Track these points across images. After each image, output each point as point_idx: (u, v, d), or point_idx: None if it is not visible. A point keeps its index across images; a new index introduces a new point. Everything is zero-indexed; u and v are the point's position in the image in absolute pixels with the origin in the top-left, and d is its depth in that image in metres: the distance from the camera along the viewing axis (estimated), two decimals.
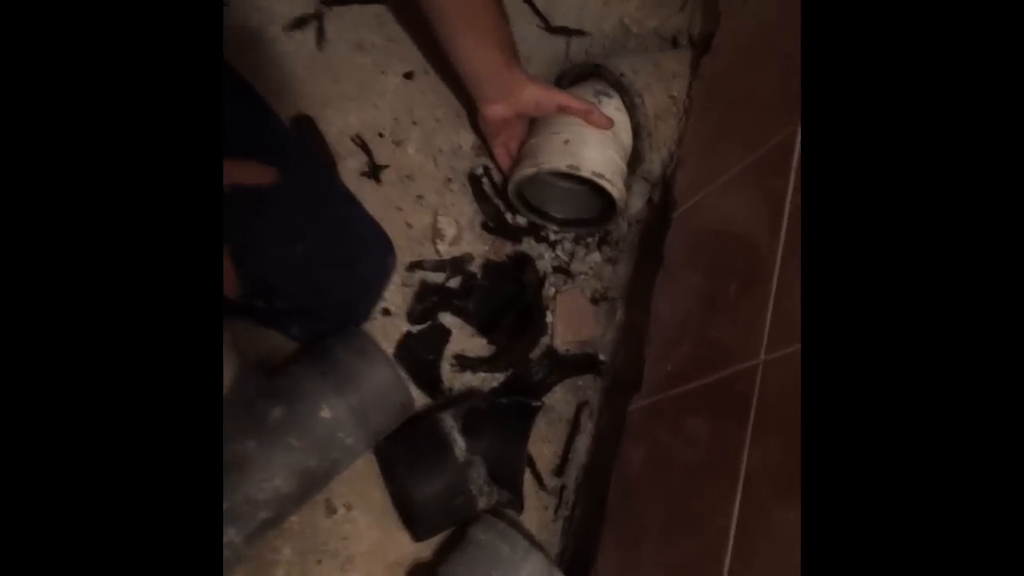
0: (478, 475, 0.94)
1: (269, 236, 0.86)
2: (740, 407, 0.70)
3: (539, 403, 1.03)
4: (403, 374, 1.00)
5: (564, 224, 1.14)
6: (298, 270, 0.89)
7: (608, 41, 1.23)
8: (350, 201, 0.98)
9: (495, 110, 1.03)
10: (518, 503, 0.99)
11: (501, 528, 0.92)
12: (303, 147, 0.98)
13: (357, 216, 0.98)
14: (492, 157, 1.12)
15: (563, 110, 1.04)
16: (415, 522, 0.93)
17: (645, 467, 0.86)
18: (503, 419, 0.98)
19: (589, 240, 1.16)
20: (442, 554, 0.97)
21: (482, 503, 0.95)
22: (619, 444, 0.95)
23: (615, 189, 1.04)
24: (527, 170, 1.04)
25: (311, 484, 0.89)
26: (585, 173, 1.02)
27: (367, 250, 0.97)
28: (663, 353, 0.91)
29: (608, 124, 1.05)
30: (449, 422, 0.95)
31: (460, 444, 0.94)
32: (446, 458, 0.93)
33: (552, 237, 1.15)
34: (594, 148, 1.04)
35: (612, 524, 0.90)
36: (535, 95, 1.02)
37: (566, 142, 1.03)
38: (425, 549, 1.01)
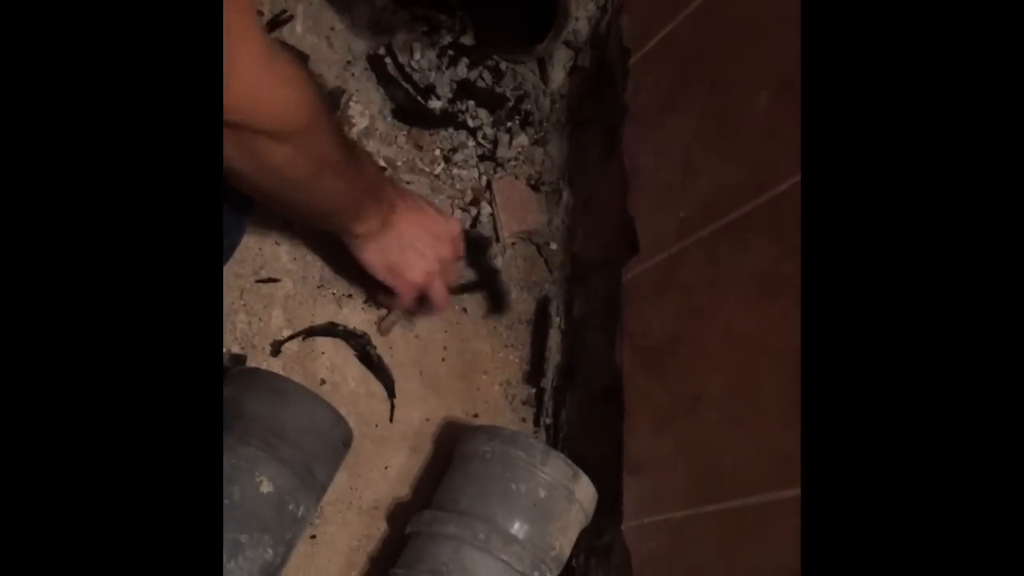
0: None
1: None
2: None
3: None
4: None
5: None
6: None
7: None
8: None
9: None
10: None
11: (508, 434, 0.76)
12: None
13: None
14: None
15: None
16: None
17: (680, 322, 0.74)
18: None
19: (510, 124, 1.01)
20: (433, 482, 0.80)
21: None
22: (618, 320, 0.82)
23: None
24: None
25: None
26: None
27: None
28: (664, 204, 0.79)
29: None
30: None
31: None
32: None
33: (471, 123, 1.00)
34: None
35: (640, 404, 0.77)
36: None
37: None
38: (401, 486, 0.84)
